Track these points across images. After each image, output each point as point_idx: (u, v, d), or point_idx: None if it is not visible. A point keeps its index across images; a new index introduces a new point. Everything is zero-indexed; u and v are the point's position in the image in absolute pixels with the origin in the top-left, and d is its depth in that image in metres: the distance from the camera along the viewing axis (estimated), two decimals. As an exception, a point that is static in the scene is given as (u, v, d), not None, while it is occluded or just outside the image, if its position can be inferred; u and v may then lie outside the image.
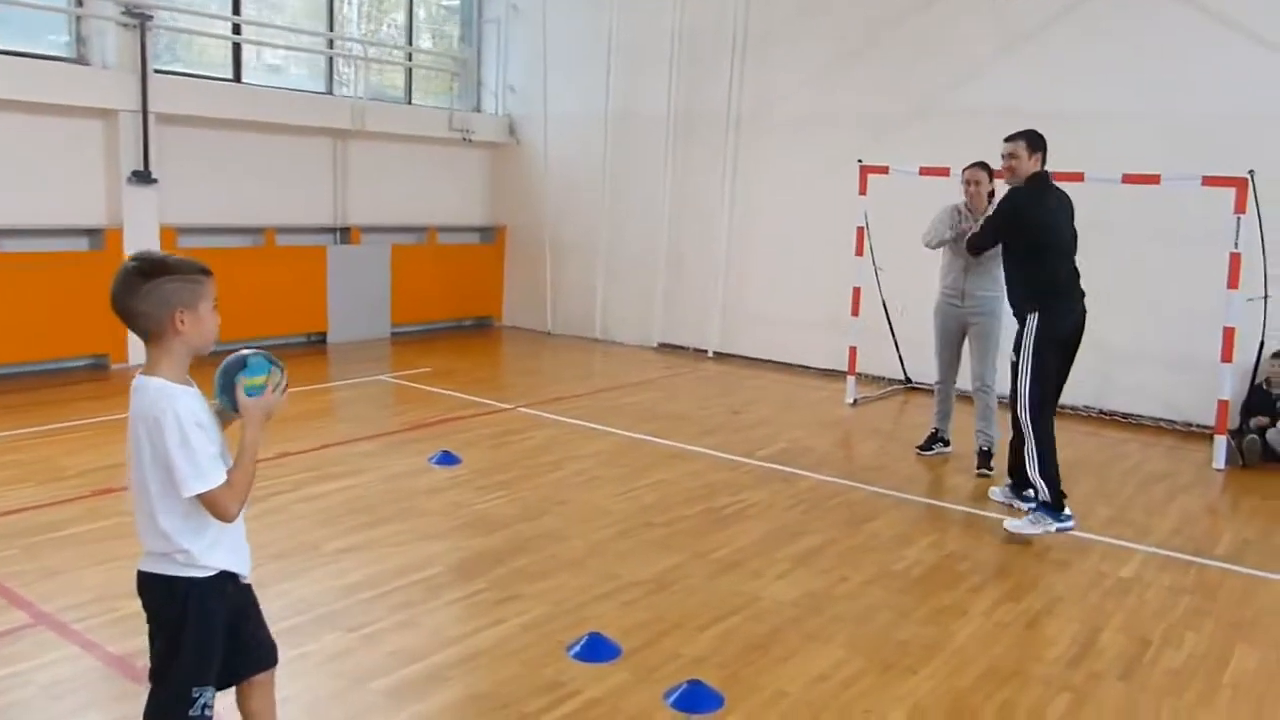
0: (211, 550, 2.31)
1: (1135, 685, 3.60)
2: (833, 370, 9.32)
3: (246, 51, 9.69)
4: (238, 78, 9.45)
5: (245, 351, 2.40)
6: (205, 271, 2.31)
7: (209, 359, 2.40)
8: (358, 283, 10.31)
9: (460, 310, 11.69)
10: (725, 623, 3.98)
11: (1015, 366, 5.18)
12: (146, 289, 2.21)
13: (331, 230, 10.33)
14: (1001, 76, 8.42)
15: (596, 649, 3.66)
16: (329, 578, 4.26)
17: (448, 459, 6.09)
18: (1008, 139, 5.35)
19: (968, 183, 6.24)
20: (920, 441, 6.79)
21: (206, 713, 2.36)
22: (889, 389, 8.94)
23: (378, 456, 6.22)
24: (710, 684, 3.40)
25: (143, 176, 8.42)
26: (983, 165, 6.19)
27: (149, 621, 2.37)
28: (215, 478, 2.23)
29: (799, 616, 4.07)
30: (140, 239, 8.23)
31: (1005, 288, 6.03)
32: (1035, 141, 5.30)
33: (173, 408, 2.20)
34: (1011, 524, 5.14)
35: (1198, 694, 3.56)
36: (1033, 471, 5.09)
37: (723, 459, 6.46)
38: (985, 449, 6.34)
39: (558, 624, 3.90)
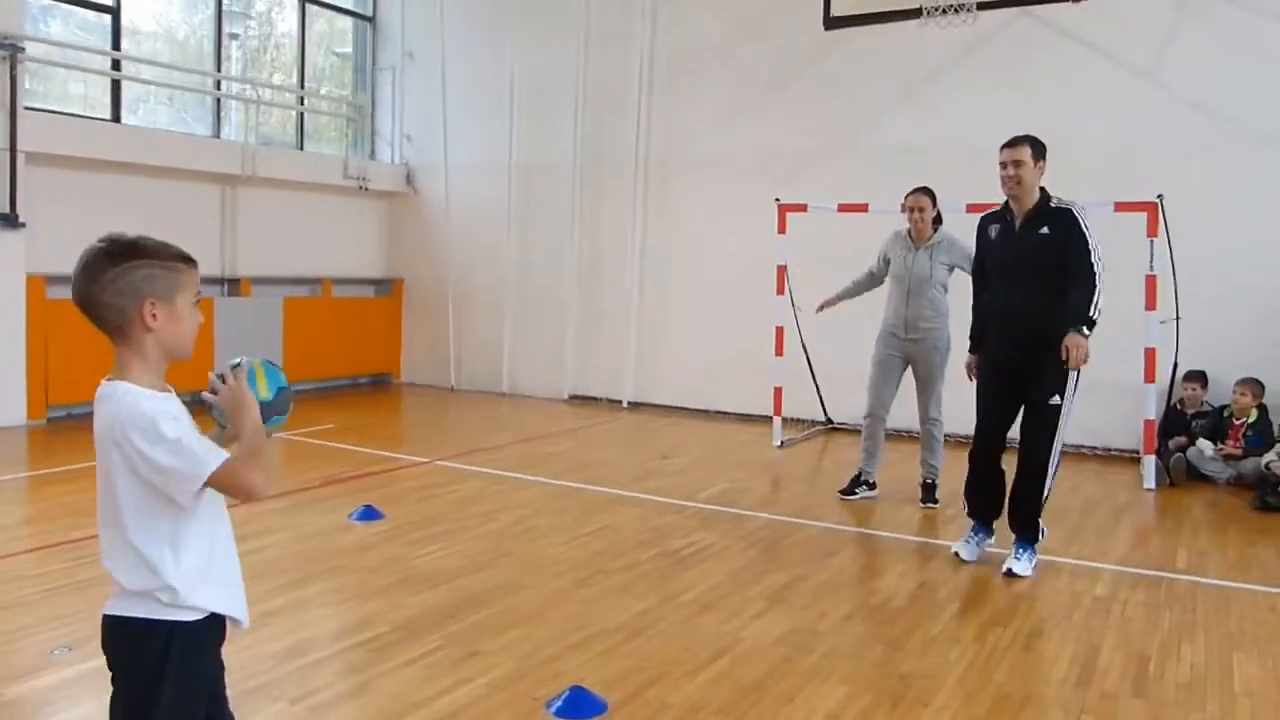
0: (201, 585, 1.88)
1: (1153, 702, 3.42)
2: (752, 415, 9.17)
3: (129, 91, 9.05)
4: (117, 118, 8.79)
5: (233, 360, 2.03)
6: (186, 259, 1.91)
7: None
8: (247, 336, 9.61)
9: (357, 366, 11.09)
10: (713, 666, 3.64)
11: (1055, 410, 4.76)
12: (112, 274, 1.81)
13: (219, 281, 9.66)
14: (907, 115, 8.56)
15: (580, 705, 3.26)
16: (257, 644, 3.71)
17: (370, 514, 5.57)
18: (1007, 145, 4.75)
19: (911, 209, 5.99)
20: (843, 485, 6.31)
21: None
22: (812, 430, 8.81)
23: (290, 514, 5.65)
24: (717, 732, 3.05)
25: (8, 220, 7.68)
26: (926, 190, 6.02)
27: (113, 681, 1.89)
28: (214, 457, 1.82)
29: (790, 655, 3.76)
30: (2, 287, 7.46)
31: (945, 316, 6.01)
32: (1039, 147, 4.77)
33: (144, 413, 1.79)
34: (1019, 568, 4.77)
35: (1219, 706, 3.40)
36: (1037, 513, 4.85)
37: (664, 503, 6.14)
38: (930, 481, 6.17)
39: (531, 680, 3.48)
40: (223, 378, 1.98)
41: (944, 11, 6.56)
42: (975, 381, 5.18)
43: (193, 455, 1.81)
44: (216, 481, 1.83)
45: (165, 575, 1.84)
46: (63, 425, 8.17)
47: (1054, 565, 5.00)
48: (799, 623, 4.11)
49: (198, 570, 1.87)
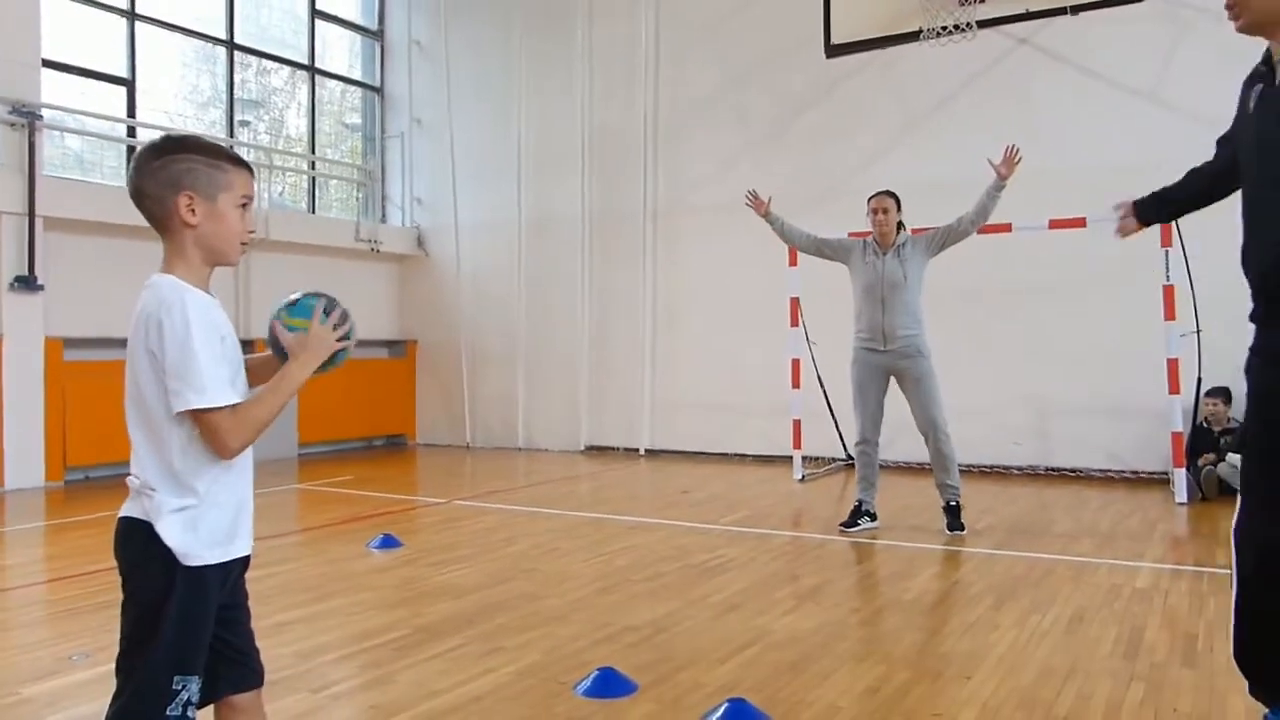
0: (216, 509, 1.84)
1: (1204, 671, 3.29)
2: (772, 456, 9.07)
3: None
4: (132, 183, 8.97)
5: (294, 294, 2.00)
6: (235, 159, 1.90)
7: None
8: (262, 399, 9.64)
9: (371, 428, 11.06)
10: (744, 654, 3.52)
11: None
12: (156, 165, 1.82)
13: (233, 344, 9.70)
14: (909, 150, 8.67)
15: (610, 684, 3.15)
16: (276, 646, 3.61)
17: (390, 542, 5.49)
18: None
19: (876, 210, 5.74)
20: (843, 518, 5.90)
21: (189, 713, 1.81)
22: (832, 466, 8.70)
23: (309, 546, 5.57)
24: (753, 704, 2.93)
25: (27, 283, 7.76)
26: (891, 193, 5.82)
27: (124, 587, 1.83)
28: (217, 396, 1.76)
29: (824, 641, 3.64)
30: (21, 349, 7.52)
31: (923, 324, 5.75)
32: None
33: (181, 303, 1.77)
34: None
35: (1272, 670, 3.26)
36: None
37: (687, 527, 6.03)
38: (954, 504, 5.70)
39: (557, 668, 3.37)
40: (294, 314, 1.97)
41: (944, 31, 6.65)
42: None
43: (195, 377, 1.74)
44: (197, 419, 1.78)
45: (177, 490, 1.81)
46: (80, 487, 8.12)
47: (1089, 566, 4.87)
48: (831, 617, 3.99)
49: (214, 495, 1.86)
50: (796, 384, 8.05)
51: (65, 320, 8.15)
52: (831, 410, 8.65)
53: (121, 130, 8.99)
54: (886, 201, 5.79)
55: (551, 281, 10.65)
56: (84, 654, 3.55)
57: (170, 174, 1.82)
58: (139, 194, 1.84)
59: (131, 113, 8.98)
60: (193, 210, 1.83)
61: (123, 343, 7.38)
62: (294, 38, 10.82)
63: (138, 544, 1.80)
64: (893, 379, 5.81)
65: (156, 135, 1.88)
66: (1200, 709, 2.95)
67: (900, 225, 5.84)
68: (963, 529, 5.67)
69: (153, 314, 1.78)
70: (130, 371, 1.82)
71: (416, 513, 6.73)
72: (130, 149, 9.01)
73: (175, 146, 1.84)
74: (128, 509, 1.84)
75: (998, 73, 8.35)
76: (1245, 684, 2.76)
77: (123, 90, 8.95)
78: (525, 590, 4.45)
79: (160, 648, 1.77)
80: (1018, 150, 5.53)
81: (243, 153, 10.13)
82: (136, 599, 1.82)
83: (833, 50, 7.30)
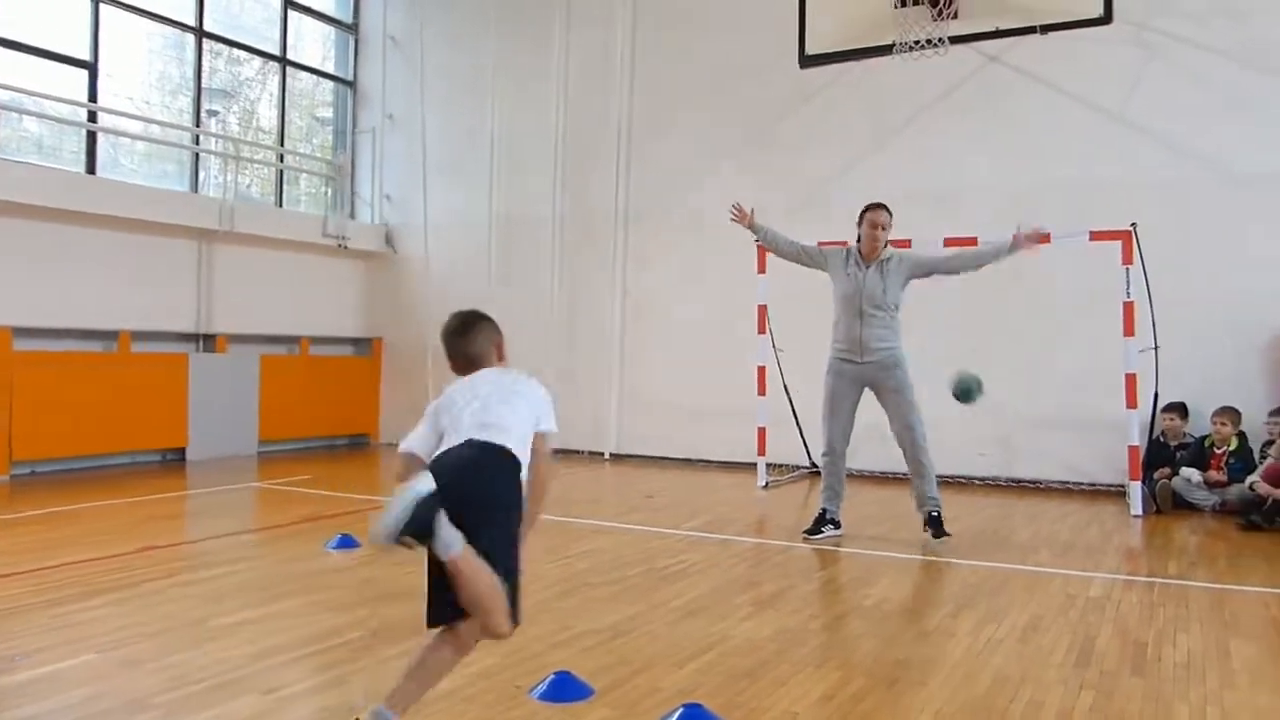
0: None
1: (1152, 678, 3.33)
2: (737, 463, 9.10)
3: (109, 145, 9.11)
4: (92, 170, 8.81)
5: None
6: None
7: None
8: (222, 395, 9.52)
9: (334, 427, 10.94)
10: (702, 658, 3.52)
11: None
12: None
13: (194, 337, 9.57)
14: (881, 161, 8.74)
15: (566, 688, 3.13)
16: (226, 649, 3.57)
17: (348, 543, 5.42)
18: None
19: (874, 225, 5.68)
20: (807, 525, 5.87)
21: None
22: (797, 474, 8.73)
23: (266, 545, 5.51)
24: (708, 709, 2.93)
25: (-22, 270, 7.61)
26: (887, 207, 5.78)
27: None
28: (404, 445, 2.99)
29: (782, 648, 3.65)
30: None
31: (900, 336, 5.74)
32: None
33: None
34: None
35: (1218, 679, 3.32)
36: None
37: (650, 531, 6.03)
38: (935, 514, 5.64)
39: (514, 671, 3.35)
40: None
41: (916, 46, 6.71)
42: None
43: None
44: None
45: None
46: (26, 481, 7.89)
47: (1045, 575, 4.93)
48: (790, 623, 4.00)
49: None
50: (762, 391, 8.08)
51: (15, 309, 7.97)
52: (797, 418, 8.69)
53: (83, 115, 8.83)
54: (883, 217, 5.74)
55: (520, 283, 10.61)
56: (24, 655, 3.46)
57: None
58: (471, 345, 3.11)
59: (93, 97, 8.83)
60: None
61: (77, 333, 7.23)
62: (266, 28, 10.71)
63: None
64: (868, 391, 5.79)
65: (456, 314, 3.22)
66: (1147, 715, 2.99)
67: (887, 243, 5.80)
68: (948, 535, 5.62)
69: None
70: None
71: (377, 513, 6.65)
72: (91, 135, 8.86)
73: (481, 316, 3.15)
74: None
75: (969, 88, 8.45)
76: (1191, 691, 2.79)
77: (84, 74, 8.80)
78: (484, 592, 4.42)
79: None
80: (1046, 239, 5.56)
81: (209, 143, 10.05)
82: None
83: (807, 61, 7.35)
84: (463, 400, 2.84)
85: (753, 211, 6.15)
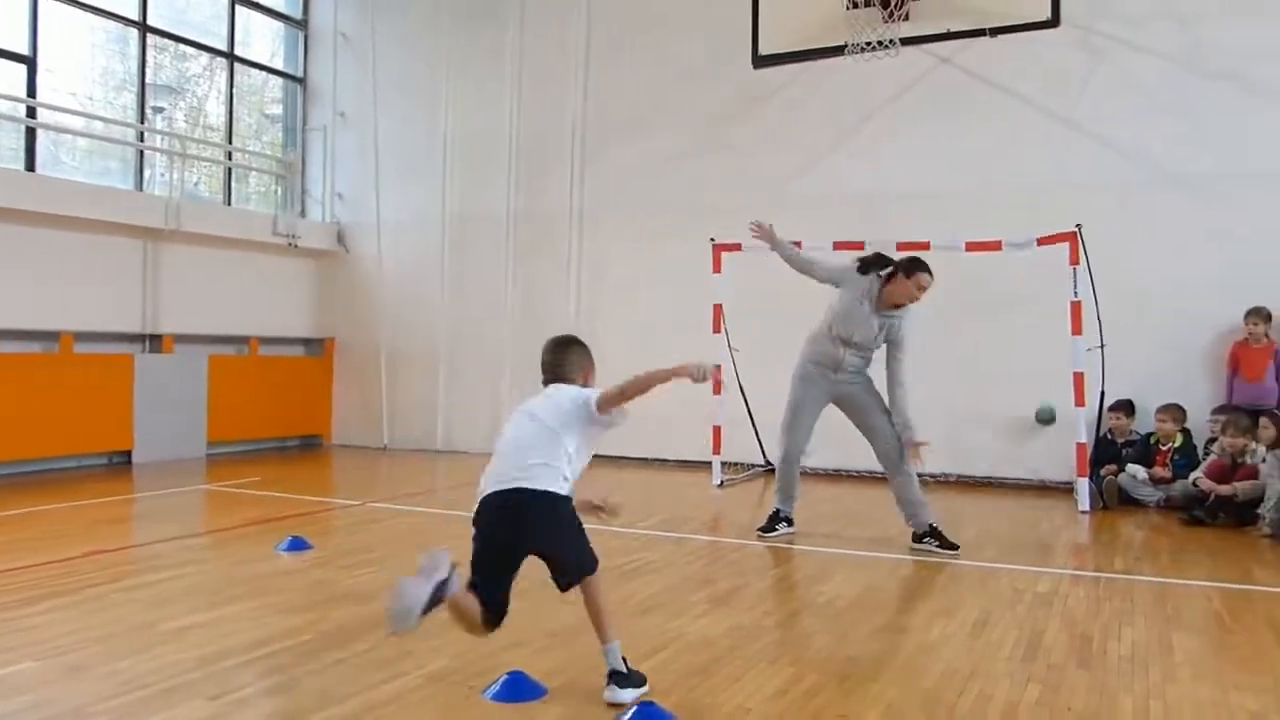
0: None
1: (1097, 671, 3.40)
2: (692, 461, 9.12)
3: (49, 141, 8.88)
4: (31, 167, 8.59)
5: None
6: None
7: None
8: (169, 396, 9.33)
9: (285, 428, 10.78)
10: (656, 657, 3.53)
11: None
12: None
13: (140, 338, 9.38)
14: (836, 162, 8.83)
15: (519, 688, 3.13)
16: (174, 653, 3.50)
17: (298, 545, 5.34)
18: None
19: (919, 288, 5.46)
20: (761, 523, 5.90)
21: None
22: (752, 472, 8.78)
23: (215, 548, 5.41)
24: (662, 707, 2.93)
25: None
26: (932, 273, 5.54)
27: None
28: None
29: (735, 645, 3.66)
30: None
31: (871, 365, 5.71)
32: None
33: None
34: None
35: (1160, 672, 3.39)
36: None
37: (605, 530, 5.97)
38: (933, 526, 5.49)
39: (467, 673, 3.34)
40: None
41: (868, 47, 6.77)
42: None
43: None
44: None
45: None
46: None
47: (994, 571, 5.00)
48: (743, 620, 4.02)
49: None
50: (717, 390, 8.10)
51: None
52: (751, 417, 8.74)
53: (21, 110, 8.60)
54: (929, 284, 5.51)
55: (475, 282, 10.54)
56: (-35, 659, 3.37)
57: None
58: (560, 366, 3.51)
59: (32, 92, 8.61)
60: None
61: (17, 334, 7.06)
62: (213, 23, 10.52)
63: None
64: (833, 403, 5.76)
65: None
66: (1092, 707, 3.04)
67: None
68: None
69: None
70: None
71: (329, 515, 6.59)
72: (30, 131, 8.64)
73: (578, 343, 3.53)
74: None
75: (921, 90, 8.56)
76: (1135, 683, 2.85)
77: (23, 68, 8.57)
78: (437, 593, 4.38)
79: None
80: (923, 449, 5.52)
81: (155, 140, 9.85)
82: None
83: (760, 61, 7.38)
84: (512, 423, 3.39)
85: (771, 227, 5.97)
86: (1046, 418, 6.42)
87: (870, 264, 5.63)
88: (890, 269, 5.57)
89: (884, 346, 5.62)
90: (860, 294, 5.55)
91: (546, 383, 3.44)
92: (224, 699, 3.06)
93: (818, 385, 5.71)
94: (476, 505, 3.21)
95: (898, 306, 5.55)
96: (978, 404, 8.21)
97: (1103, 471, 7.33)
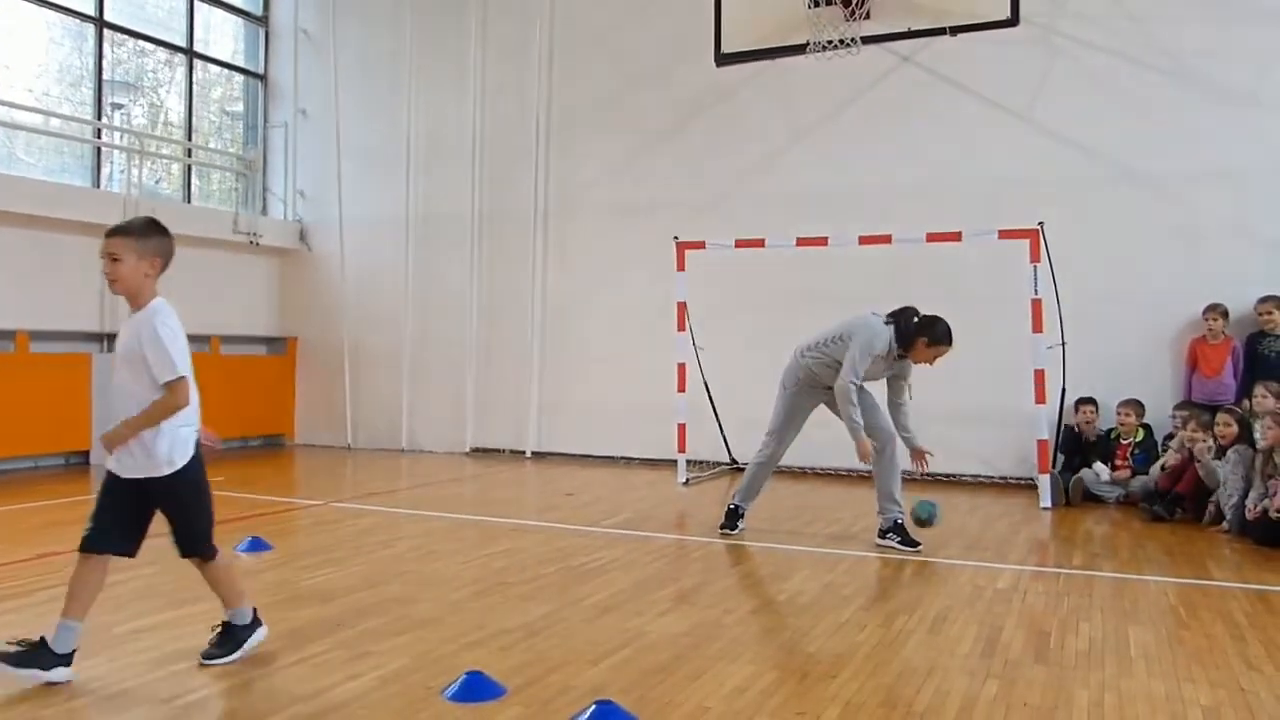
0: None
1: (1054, 666, 3.43)
2: (657, 459, 9.11)
3: (4, 138, 8.71)
4: (-14, 163, 8.43)
5: None
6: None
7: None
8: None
9: (247, 427, 10.65)
10: (616, 655, 3.51)
11: None
12: None
13: (98, 337, 9.22)
14: (798, 160, 8.85)
15: (478, 688, 3.09)
16: (128, 655, 3.45)
17: (258, 545, 5.29)
18: None
19: (937, 358, 5.68)
20: (721, 520, 5.93)
21: None
22: (716, 470, 8.78)
23: (172, 550, 5.29)
24: (621, 706, 2.92)
25: None
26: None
27: None
28: None
29: (696, 643, 3.66)
30: None
31: None
32: None
33: None
34: None
35: (1116, 666, 3.43)
36: None
37: (568, 529, 6.00)
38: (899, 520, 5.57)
39: (426, 673, 3.29)
40: None
41: (830, 46, 6.79)
42: None
43: None
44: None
45: None
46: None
47: (956, 567, 5.04)
48: (705, 618, 4.01)
49: None
50: (682, 388, 8.10)
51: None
52: (717, 415, 8.74)
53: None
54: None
55: (439, 280, 10.48)
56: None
57: None
58: None
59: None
60: None
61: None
62: (172, 19, 10.36)
63: None
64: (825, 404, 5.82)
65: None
66: (1048, 703, 3.07)
67: None
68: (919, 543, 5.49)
69: None
70: None
71: (290, 515, 6.51)
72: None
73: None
74: None
75: (883, 88, 8.60)
76: (1091, 678, 2.87)
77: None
78: (398, 594, 4.35)
79: None
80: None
81: (112, 137, 9.68)
82: None
83: (723, 59, 7.38)
84: None
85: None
86: (924, 517, 5.58)
87: (898, 317, 5.66)
88: (915, 321, 5.61)
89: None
90: (883, 349, 5.57)
91: None
92: (178, 701, 3.01)
93: (812, 398, 5.80)
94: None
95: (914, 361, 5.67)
96: (939, 401, 8.20)
97: (1074, 466, 7.41)
